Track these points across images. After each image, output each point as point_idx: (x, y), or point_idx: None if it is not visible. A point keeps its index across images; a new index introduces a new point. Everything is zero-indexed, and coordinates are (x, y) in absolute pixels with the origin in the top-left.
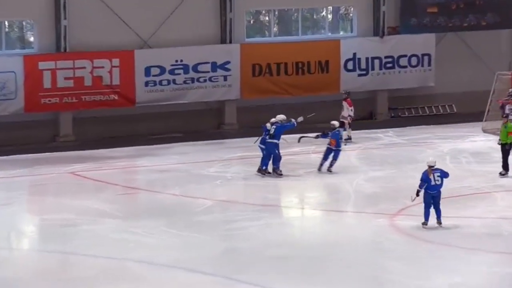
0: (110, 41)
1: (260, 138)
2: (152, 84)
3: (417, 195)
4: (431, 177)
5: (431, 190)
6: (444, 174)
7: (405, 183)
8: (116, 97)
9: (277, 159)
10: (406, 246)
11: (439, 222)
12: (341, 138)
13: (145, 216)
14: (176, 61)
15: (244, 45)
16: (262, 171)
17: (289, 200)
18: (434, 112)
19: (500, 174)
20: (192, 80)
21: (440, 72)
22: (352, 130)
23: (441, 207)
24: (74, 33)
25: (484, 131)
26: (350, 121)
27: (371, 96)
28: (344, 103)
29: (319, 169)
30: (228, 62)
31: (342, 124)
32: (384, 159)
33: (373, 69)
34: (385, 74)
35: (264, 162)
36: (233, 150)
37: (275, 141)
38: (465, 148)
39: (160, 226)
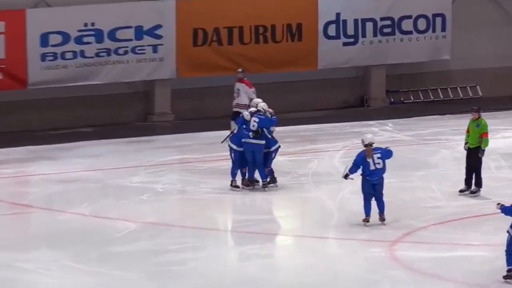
0: None
1: (230, 134)
2: (51, 58)
3: (345, 177)
4: (370, 160)
5: (370, 177)
6: (386, 154)
7: (411, 196)
8: (0, 76)
9: (261, 166)
10: (412, 286)
11: (382, 218)
12: (272, 132)
13: (40, 245)
14: (85, 25)
15: (182, 2)
16: (251, 182)
17: (246, 222)
18: (451, 96)
19: (471, 192)
20: (108, 52)
21: (458, 40)
22: (336, 122)
23: (460, 229)
24: None
25: None
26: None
27: (362, 74)
28: (241, 86)
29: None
30: (159, 26)
31: (235, 115)
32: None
33: (364, 35)
34: (382, 43)
35: (234, 170)
36: (166, 151)
37: (261, 142)
38: (495, 147)
39: (62, 259)
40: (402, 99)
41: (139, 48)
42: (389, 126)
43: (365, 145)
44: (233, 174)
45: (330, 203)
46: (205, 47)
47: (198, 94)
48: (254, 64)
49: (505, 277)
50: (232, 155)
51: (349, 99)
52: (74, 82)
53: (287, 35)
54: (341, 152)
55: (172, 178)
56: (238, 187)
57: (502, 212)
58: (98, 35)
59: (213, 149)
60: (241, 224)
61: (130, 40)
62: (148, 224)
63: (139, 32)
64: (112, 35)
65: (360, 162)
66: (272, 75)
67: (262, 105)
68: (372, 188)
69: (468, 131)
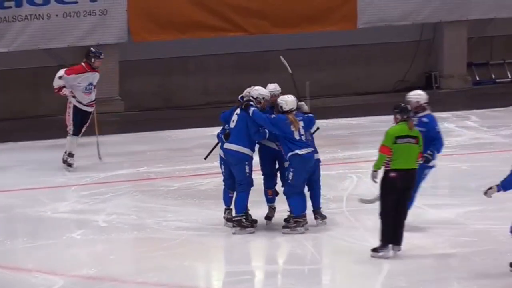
0: None
1: (217, 145)
2: None
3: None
4: (295, 128)
5: (304, 148)
6: (309, 122)
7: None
8: None
9: (242, 189)
10: None
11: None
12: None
13: None
14: None
15: None
16: (230, 217)
17: (239, 276)
18: None
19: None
20: (18, 0)
21: None
22: (387, 114)
23: None
24: None
25: None
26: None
27: (429, 37)
28: (94, 76)
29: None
30: None
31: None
32: (458, 181)
33: None
34: None
35: (227, 193)
36: (111, 160)
37: (244, 149)
38: None
39: None
40: (493, 76)
41: None
42: (472, 121)
43: (284, 111)
44: (226, 200)
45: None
46: None
47: (164, 69)
48: (254, 21)
49: None
50: (222, 168)
51: (409, 77)
52: None
53: None
54: None
55: (122, 205)
56: (252, 225)
57: (502, 190)
58: None
59: (188, 158)
60: (231, 280)
61: None
62: (84, 279)
63: None
64: None
65: (282, 125)
66: (283, 38)
67: (259, 91)
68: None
69: (385, 147)
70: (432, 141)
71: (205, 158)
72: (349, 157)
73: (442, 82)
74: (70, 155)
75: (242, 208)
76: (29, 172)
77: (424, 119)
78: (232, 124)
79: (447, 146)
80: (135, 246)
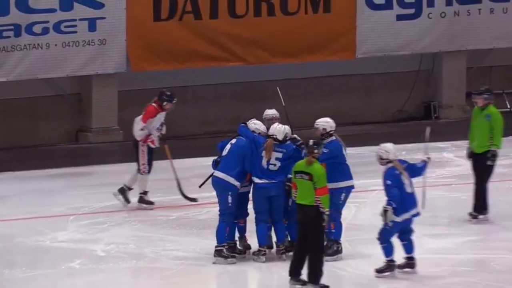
0: None
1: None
2: None
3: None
4: (265, 156)
5: (258, 176)
6: (294, 154)
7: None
8: None
9: (224, 219)
10: None
11: (279, 249)
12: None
13: None
14: None
15: None
16: (227, 249)
17: None
18: None
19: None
20: (17, 29)
21: None
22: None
23: None
24: None
25: None
26: None
27: (428, 66)
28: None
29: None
30: None
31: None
32: (457, 211)
33: (432, 4)
34: (460, 15)
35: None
36: (110, 190)
37: (230, 179)
38: None
39: None
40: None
41: (66, 23)
42: None
43: (268, 136)
44: (239, 230)
45: (378, 282)
46: (174, 22)
47: None
48: (253, 50)
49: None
50: (218, 196)
51: (408, 106)
52: None
53: (307, 2)
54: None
55: (121, 235)
56: (233, 256)
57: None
58: (2, 6)
59: (187, 188)
60: None
61: (52, 10)
62: None
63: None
64: (22, 3)
65: (258, 146)
66: (282, 68)
67: (256, 125)
68: (268, 202)
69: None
70: (340, 166)
71: (200, 186)
72: None
73: (441, 112)
74: (145, 193)
75: (223, 238)
76: (27, 201)
77: (328, 146)
78: (224, 153)
79: (447, 176)
80: (134, 275)
